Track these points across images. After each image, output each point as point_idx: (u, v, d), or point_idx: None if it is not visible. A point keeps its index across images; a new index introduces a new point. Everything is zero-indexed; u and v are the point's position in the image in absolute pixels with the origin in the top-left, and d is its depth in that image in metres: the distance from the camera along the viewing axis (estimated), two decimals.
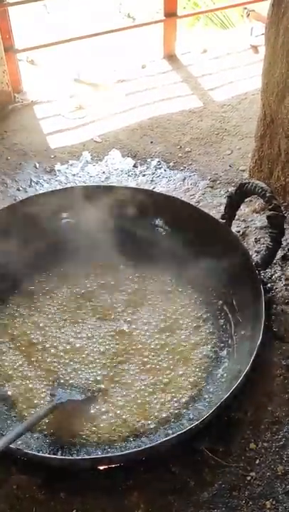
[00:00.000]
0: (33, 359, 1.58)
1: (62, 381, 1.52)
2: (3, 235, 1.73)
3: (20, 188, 2.19)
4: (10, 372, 1.56)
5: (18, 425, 1.36)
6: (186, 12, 3.67)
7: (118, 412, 1.47)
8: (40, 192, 2.12)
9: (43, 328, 1.66)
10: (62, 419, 1.42)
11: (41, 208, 1.85)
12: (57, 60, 3.15)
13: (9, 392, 1.51)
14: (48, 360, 1.58)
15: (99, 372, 1.55)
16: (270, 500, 1.27)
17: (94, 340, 1.63)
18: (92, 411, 1.46)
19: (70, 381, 1.52)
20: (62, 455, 1.37)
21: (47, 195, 1.95)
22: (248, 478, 1.30)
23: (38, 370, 1.56)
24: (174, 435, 1.31)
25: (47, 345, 1.62)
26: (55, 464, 1.31)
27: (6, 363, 1.58)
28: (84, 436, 1.42)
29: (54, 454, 1.37)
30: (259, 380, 1.48)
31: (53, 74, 2.99)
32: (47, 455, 1.35)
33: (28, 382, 1.53)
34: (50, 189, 2.15)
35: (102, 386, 1.52)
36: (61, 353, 1.60)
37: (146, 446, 1.34)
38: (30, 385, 1.53)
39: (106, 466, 1.31)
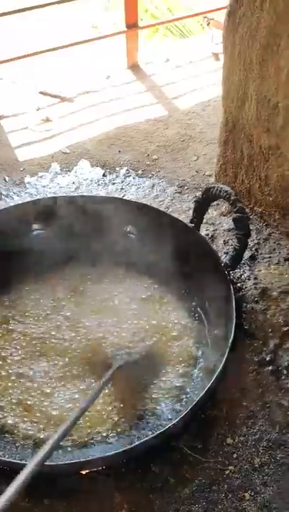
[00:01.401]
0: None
1: None
2: None
3: None
4: None
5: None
6: (148, 23, 3.74)
7: (96, 413, 1.48)
8: (11, 204, 2.13)
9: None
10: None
11: (12, 220, 1.87)
12: (22, 73, 3.18)
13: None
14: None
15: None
16: (249, 491, 1.31)
17: (68, 344, 1.65)
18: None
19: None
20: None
21: (18, 207, 1.97)
22: (227, 472, 1.35)
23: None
24: (153, 435, 1.34)
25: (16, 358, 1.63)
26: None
27: None
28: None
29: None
30: (233, 376, 1.53)
31: (18, 87, 3.01)
32: (24, 462, 1.36)
33: None
34: (21, 201, 2.17)
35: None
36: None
37: (127, 447, 1.37)
38: None
39: (88, 470, 1.33)
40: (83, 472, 1.32)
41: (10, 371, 1.59)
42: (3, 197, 2.22)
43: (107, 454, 1.36)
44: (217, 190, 1.70)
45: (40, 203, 1.97)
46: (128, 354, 1.54)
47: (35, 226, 1.93)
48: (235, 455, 1.38)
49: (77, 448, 1.42)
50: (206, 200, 1.79)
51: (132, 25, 3.00)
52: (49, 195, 2.21)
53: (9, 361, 1.61)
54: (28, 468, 1.03)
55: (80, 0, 2.98)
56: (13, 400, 1.52)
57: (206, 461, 1.36)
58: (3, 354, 1.63)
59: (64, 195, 2.21)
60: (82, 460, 1.37)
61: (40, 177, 2.34)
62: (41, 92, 2.90)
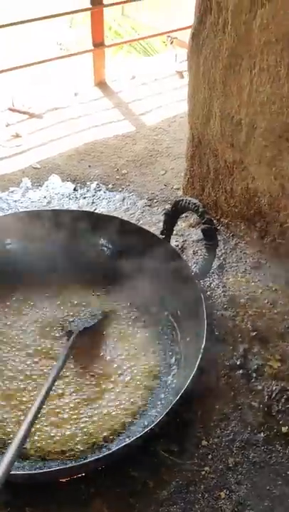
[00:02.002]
0: None
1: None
2: None
3: None
4: None
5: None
6: (114, 41, 3.84)
7: (71, 421, 1.51)
8: None
9: None
10: None
11: None
12: None
13: None
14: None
15: None
16: (224, 490, 1.37)
17: (46, 357, 1.67)
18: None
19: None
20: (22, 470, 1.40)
21: None
22: (203, 472, 1.40)
23: None
24: (131, 440, 1.38)
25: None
26: (13, 479, 1.34)
27: None
28: (42, 450, 1.46)
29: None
30: (206, 381, 1.59)
31: None
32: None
33: None
34: None
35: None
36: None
37: (105, 453, 1.40)
38: None
39: (67, 478, 1.36)
40: (63, 480, 1.35)
41: None
42: None
43: (85, 461, 1.40)
44: (186, 202, 1.77)
45: (13, 217, 2.00)
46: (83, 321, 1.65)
47: (8, 241, 1.95)
48: (210, 456, 1.44)
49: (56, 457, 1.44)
50: (176, 212, 1.86)
51: (98, 43, 3.08)
52: (21, 210, 2.24)
53: None
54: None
55: (45, 18, 3.02)
56: None
57: (182, 463, 1.41)
58: None
59: (36, 209, 2.24)
60: (60, 468, 1.40)
61: (12, 192, 2.37)
62: (10, 109, 2.94)
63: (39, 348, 1.69)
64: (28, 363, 1.65)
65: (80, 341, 1.62)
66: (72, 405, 1.54)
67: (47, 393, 1.40)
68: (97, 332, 1.70)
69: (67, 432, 1.47)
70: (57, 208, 2.28)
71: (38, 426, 1.46)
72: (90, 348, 1.68)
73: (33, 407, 1.33)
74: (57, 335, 1.72)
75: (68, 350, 1.54)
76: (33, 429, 1.41)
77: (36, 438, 1.46)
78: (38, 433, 1.46)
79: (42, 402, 1.36)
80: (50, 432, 1.47)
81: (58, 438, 1.47)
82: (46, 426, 1.48)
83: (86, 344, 1.67)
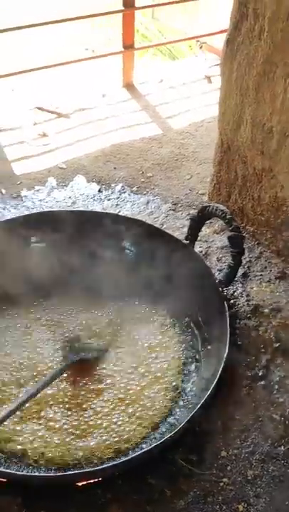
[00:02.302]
0: None
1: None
2: None
3: None
4: None
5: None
6: (143, 44, 3.84)
7: (93, 428, 1.50)
8: (8, 217, 2.16)
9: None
10: None
11: (10, 232, 1.90)
12: (19, 87, 3.23)
13: None
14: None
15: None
16: (242, 503, 1.34)
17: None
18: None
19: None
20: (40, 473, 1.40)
21: (15, 220, 2.00)
22: (221, 484, 1.38)
23: None
24: (149, 448, 1.37)
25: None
26: (34, 482, 1.34)
27: None
28: (60, 455, 1.45)
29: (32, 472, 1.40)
30: (227, 391, 1.57)
31: (15, 102, 3.06)
32: (24, 473, 1.38)
33: None
34: (18, 214, 2.20)
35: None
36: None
37: (122, 459, 1.39)
38: None
39: (84, 482, 1.35)
40: (79, 484, 1.34)
41: None
42: (0, 209, 2.24)
43: (103, 466, 1.39)
44: (213, 208, 1.76)
45: (39, 216, 2.01)
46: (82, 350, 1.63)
47: (33, 239, 1.96)
48: (229, 467, 1.41)
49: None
50: (202, 218, 1.84)
51: (128, 46, 3.08)
52: (46, 209, 2.24)
53: None
54: None
55: (76, 19, 3.03)
56: None
57: (201, 473, 1.39)
58: None
59: (61, 209, 2.25)
60: (77, 472, 1.39)
61: (37, 191, 2.37)
62: (38, 108, 2.95)
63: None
64: None
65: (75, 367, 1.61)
66: (92, 414, 1.54)
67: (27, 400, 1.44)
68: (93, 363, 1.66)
69: (91, 443, 1.46)
70: (81, 208, 2.28)
71: (60, 437, 1.47)
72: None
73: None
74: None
75: (58, 372, 1.54)
76: (57, 440, 1.45)
77: (59, 448, 1.45)
78: (61, 445, 1.46)
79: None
80: (72, 443, 1.47)
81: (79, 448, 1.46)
82: (67, 437, 1.48)
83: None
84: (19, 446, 1.44)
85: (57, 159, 2.58)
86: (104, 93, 3.14)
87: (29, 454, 1.43)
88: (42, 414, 1.52)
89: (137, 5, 3.02)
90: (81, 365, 1.61)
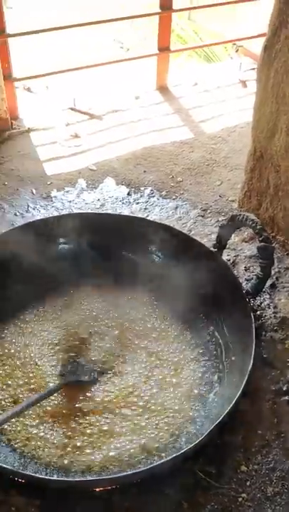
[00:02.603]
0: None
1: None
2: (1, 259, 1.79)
3: (18, 214, 2.25)
4: None
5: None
6: (178, 46, 3.82)
7: (111, 435, 1.50)
8: (38, 218, 2.18)
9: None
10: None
11: (39, 233, 1.91)
12: (53, 88, 3.26)
13: None
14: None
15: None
16: None
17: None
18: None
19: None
20: (57, 477, 1.40)
21: (45, 220, 2.02)
22: (240, 499, 1.35)
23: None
24: (168, 458, 1.35)
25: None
26: (51, 485, 1.34)
27: None
28: (78, 460, 1.45)
29: (50, 476, 1.40)
30: (249, 404, 1.54)
31: (48, 102, 3.09)
32: (43, 476, 1.38)
33: None
34: (47, 215, 2.22)
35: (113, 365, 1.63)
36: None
37: (140, 469, 1.38)
38: None
39: (101, 488, 1.34)
40: (97, 489, 1.34)
41: None
42: (30, 209, 2.26)
43: (121, 474, 1.39)
44: (243, 217, 1.73)
45: (68, 217, 2.02)
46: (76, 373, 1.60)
47: (61, 240, 1.97)
48: (248, 483, 1.39)
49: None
50: (231, 226, 1.82)
51: (164, 48, 3.07)
52: (75, 211, 2.25)
53: None
54: None
55: (113, 20, 3.03)
56: None
57: (219, 486, 1.37)
58: None
59: (90, 211, 2.25)
60: (95, 478, 1.39)
61: (67, 192, 2.39)
62: (71, 108, 2.97)
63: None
64: None
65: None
66: (110, 422, 1.53)
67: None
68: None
69: (111, 453, 1.46)
70: (110, 211, 2.28)
71: (82, 444, 1.47)
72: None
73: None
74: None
75: (53, 390, 1.53)
76: (79, 444, 1.45)
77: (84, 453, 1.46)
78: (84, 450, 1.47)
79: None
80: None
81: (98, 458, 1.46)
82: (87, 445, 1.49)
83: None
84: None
85: (88, 161, 2.59)
86: (137, 95, 3.13)
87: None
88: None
89: (174, 7, 3.00)
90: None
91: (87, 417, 1.53)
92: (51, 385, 1.58)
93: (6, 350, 1.71)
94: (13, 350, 1.71)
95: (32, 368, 1.65)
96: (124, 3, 4.35)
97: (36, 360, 1.67)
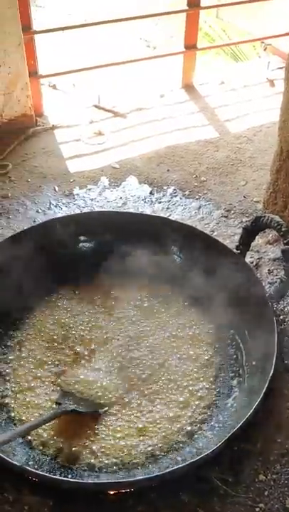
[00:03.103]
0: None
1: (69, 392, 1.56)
2: (21, 255, 1.78)
3: (40, 210, 2.25)
4: None
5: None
6: (206, 44, 3.77)
7: (127, 437, 1.48)
8: (59, 215, 2.17)
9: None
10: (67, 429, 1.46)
11: (60, 230, 1.91)
12: (78, 85, 3.25)
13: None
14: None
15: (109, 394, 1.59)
16: None
17: (105, 370, 1.66)
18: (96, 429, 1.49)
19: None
20: (72, 477, 1.39)
21: (66, 218, 2.01)
22: (257, 509, 1.32)
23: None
24: (185, 464, 1.33)
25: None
26: (65, 486, 1.33)
27: None
28: (93, 461, 1.44)
29: (64, 476, 1.39)
30: (269, 411, 1.50)
31: (73, 99, 3.08)
32: (57, 477, 1.37)
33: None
34: (69, 212, 2.21)
35: (113, 399, 1.56)
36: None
37: (156, 474, 1.36)
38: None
39: (116, 491, 1.33)
40: (111, 492, 1.32)
41: None
42: (52, 206, 2.26)
43: (136, 478, 1.37)
44: (268, 219, 1.69)
45: (90, 215, 2.01)
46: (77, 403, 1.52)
47: (82, 238, 1.95)
48: (266, 492, 1.35)
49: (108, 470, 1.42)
50: (255, 228, 1.78)
51: (190, 46, 3.03)
52: (97, 209, 2.24)
53: None
54: None
55: (140, 18, 3.01)
56: None
57: (236, 495, 1.34)
58: None
59: (111, 210, 2.24)
60: (110, 481, 1.37)
61: (89, 190, 2.37)
62: (95, 106, 2.95)
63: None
64: None
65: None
66: (126, 423, 1.52)
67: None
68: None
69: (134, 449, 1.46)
70: (132, 210, 2.26)
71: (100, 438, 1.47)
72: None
73: None
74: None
75: (51, 417, 1.47)
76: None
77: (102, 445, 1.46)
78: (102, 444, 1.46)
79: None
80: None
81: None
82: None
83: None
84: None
85: (111, 158, 2.57)
86: (162, 93, 3.10)
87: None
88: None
89: (202, 4, 2.96)
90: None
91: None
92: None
93: None
94: None
95: None
96: (153, 1, 4.32)
97: None
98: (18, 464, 1.30)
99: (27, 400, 1.57)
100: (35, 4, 4.68)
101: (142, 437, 1.48)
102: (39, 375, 1.63)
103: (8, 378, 1.62)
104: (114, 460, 1.43)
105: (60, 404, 1.48)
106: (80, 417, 1.49)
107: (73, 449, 1.44)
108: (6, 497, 1.31)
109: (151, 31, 5.10)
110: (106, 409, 1.53)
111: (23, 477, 1.31)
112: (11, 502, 1.30)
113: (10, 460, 1.30)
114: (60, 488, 1.32)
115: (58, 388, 1.58)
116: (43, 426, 1.47)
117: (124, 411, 1.54)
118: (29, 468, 1.31)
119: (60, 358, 1.67)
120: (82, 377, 1.62)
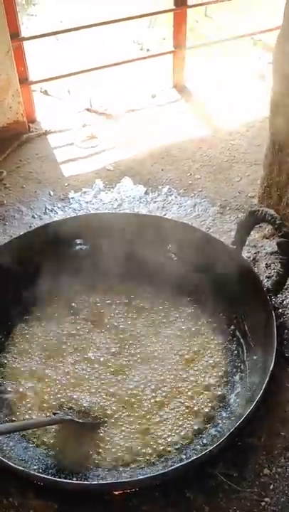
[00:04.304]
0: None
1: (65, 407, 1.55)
2: (19, 260, 1.79)
3: (35, 216, 2.25)
4: None
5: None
6: (195, 43, 3.76)
7: (131, 436, 1.48)
8: (55, 219, 2.17)
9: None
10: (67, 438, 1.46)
11: (56, 234, 1.90)
12: (69, 89, 3.25)
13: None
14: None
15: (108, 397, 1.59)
16: None
17: (103, 366, 1.66)
18: (100, 434, 1.49)
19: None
20: (76, 480, 1.39)
21: (61, 222, 2.01)
22: (263, 503, 1.31)
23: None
24: (188, 460, 1.33)
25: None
26: (70, 488, 1.32)
27: None
28: (96, 461, 1.44)
29: (69, 479, 1.39)
30: (272, 405, 1.50)
31: (65, 104, 3.08)
32: (62, 480, 1.37)
33: None
34: (65, 216, 2.21)
35: (109, 412, 1.54)
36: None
37: (159, 472, 1.36)
38: None
39: (120, 491, 1.32)
40: (116, 492, 1.32)
41: None
42: (47, 211, 2.26)
43: (140, 477, 1.36)
44: (262, 213, 1.68)
45: (84, 218, 2.01)
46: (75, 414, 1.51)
47: (78, 241, 1.96)
48: (272, 486, 1.35)
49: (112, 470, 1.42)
50: (250, 223, 1.77)
51: (179, 45, 3.03)
52: (92, 211, 2.24)
53: None
54: None
55: (128, 19, 3.01)
56: None
57: (241, 490, 1.33)
58: None
59: (106, 211, 2.24)
60: (115, 481, 1.37)
61: (84, 193, 2.38)
62: (87, 109, 2.96)
63: None
64: None
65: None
66: (132, 420, 1.52)
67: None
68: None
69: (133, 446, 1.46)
70: (127, 210, 2.26)
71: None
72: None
73: None
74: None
75: (49, 421, 1.49)
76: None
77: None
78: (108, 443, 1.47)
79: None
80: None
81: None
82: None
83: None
84: None
85: (104, 161, 2.58)
86: (153, 94, 3.10)
87: None
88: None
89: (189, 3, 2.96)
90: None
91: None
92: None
93: None
94: None
95: None
96: (152, 4, 4.29)
97: None
98: (22, 469, 1.30)
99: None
100: (26, 13, 4.70)
101: (146, 437, 1.48)
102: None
103: None
104: (117, 461, 1.43)
105: (56, 414, 1.48)
106: (81, 428, 1.48)
107: (76, 451, 1.44)
108: (12, 502, 1.31)
109: (144, 34, 5.10)
110: (105, 419, 1.52)
111: (28, 481, 1.31)
112: (16, 507, 1.30)
113: (14, 465, 1.30)
114: (65, 491, 1.32)
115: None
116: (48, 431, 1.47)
117: (128, 413, 1.54)
118: (34, 473, 1.31)
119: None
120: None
